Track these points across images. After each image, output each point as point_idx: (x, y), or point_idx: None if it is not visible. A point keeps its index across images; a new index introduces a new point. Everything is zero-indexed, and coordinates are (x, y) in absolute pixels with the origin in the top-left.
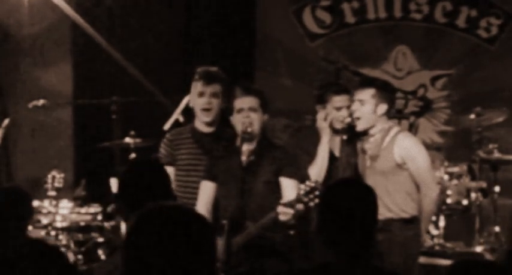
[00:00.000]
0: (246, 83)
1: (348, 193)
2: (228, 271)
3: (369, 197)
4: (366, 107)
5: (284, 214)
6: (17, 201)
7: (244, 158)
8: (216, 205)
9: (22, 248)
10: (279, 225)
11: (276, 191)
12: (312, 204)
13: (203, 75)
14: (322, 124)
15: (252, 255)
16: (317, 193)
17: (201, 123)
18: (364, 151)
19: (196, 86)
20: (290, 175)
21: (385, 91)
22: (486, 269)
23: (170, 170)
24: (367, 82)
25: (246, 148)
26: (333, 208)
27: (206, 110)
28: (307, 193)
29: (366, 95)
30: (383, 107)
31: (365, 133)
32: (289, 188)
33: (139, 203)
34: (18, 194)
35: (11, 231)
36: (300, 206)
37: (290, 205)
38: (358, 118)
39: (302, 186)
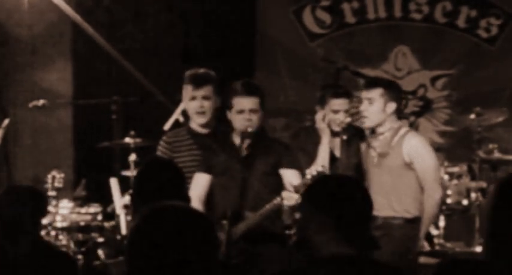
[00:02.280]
0: (247, 81)
1: (337, 187)
2: (228, 266)
3: (361, 190)
4: (375, 106)
5: (289, 198)
6: (33, 200)
7: (241, 151)
8: (210, 198)
9: (34, 247)
10: (280, 215)
11: (272, 183)
12: None
13: (192, 79)
14: (321, 125)
15: (250, 244)
16: None
17: (197, 125)
18: (371, 148)
19: (187, 90)
20: (290, 166)
21: (393, 90)
22: (472, 268)
23: None
24: (374, 82)
25: (242, 143)
26: (325, 203)
27: (200, 113)
28: (314, 178)
29: (375, 94)
30: (392, 106)
31: (372, 132)
32: (291, 177)
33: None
34: (33, 193)
35: (24, 230)
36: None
37: (296, 189)
38: (365, 117)
39: (308, 171)
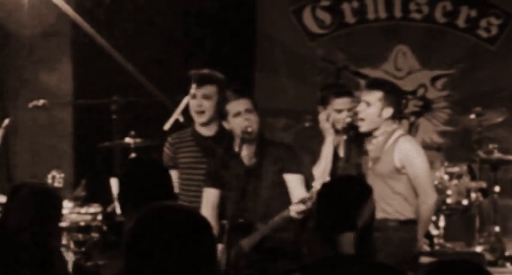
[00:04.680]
0: (237, 86)
1: (345, 190)
2: (230, 272)
3: (365, 194)
4: (372, 110)
5: (297, 211)
6: (39, 204)
7: (246, 161)
8: (222, 212)
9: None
10: (291, 223)
11: (282, 191)
12: None
13: (195, 78)
14: (325, 125)
15: (263, 257)
16: None
17: (198, 125)
18: (366, 152)
19: (191, 89)
20: (293, 171)
21: (393, 95)
22: (464, 269)
23: (173, 173)
24: (376, 84)
25: (246, 151)
26: (330, 205)
27: (199, 112)
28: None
29: (373, 97)
30: (389, 111)
31: (369, 134)
32: (294, 183)
33: (141, 202)
34: (51, 194)
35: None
36: (311, 204)
37: (303, 202)
38: (362, 119)
39: (315, 183)
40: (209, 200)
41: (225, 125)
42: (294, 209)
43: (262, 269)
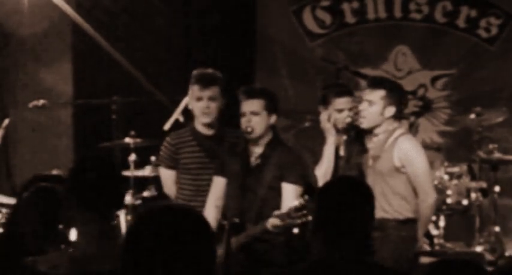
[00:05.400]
0: (250, 86)
1: (343, 190)
2: (227, 272)
3: (365, 194)
4: (374, 108)
5: (273, 225)
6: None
7: (252, 160)
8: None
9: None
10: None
11: (278, 197)
12: (299, 221)
13: (199, 79)
14: (326, 125)
15: (251, 260)
16: (305, 211)
17: (201, 125)
18: (367, 150)
19: (193, 90)
20: (291, 181)
21: (395, 93)
22: (464, 269)
23: (171, 173)
24: (378, 83)
25: (253, 150)
26: (329, 206)
27: (206, 113)
28: (297, 210)
29: (375, 96)
30: (391, 110)
31: (369, 131)
32: (288, 194)
33: (88, 202)
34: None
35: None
36: (289, 221)
37: (281, 218)
38: (363, 117)
39: (295, 202)
40: (215, 188)
41: None
42: (270, 223)
43: (253, 270)
